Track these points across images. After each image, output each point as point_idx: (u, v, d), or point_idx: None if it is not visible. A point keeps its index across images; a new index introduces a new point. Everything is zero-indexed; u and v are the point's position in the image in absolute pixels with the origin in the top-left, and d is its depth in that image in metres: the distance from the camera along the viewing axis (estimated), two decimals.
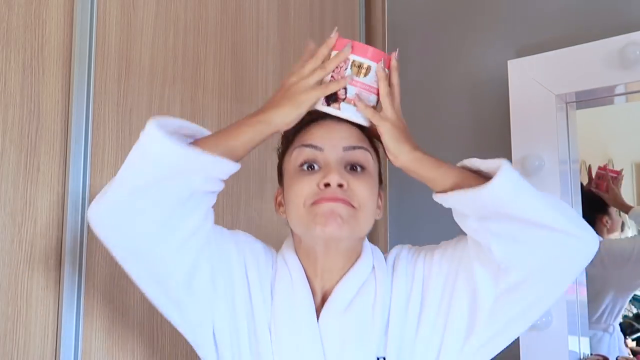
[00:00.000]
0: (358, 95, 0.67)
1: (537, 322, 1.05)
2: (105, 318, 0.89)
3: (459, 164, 0.68)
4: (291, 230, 0.75)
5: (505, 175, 0.59)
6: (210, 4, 1.09)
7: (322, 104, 0.68)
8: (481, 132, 1.26)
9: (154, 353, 0.95)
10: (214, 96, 1.08)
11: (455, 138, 1.29)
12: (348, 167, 0.70)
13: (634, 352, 1.18)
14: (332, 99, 0.67)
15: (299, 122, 0.69)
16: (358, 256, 0.73)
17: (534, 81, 1.11)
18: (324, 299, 0.72)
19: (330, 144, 0.69)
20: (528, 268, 0.63)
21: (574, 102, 1.11)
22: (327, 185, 0.66)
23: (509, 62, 1.16)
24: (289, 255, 0.74)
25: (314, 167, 0.69)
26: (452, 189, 0.64)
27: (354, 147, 0.70)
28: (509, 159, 1.15)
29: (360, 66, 0.67)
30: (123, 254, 0.67)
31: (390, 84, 0.69)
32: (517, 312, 0.66)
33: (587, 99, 1.10)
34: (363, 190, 0.68)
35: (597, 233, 1.11)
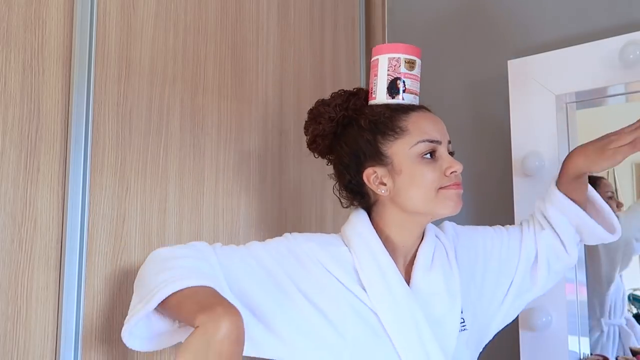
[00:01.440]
0: (412, 85, 0.87)
1: (537, 322, 1.05)
2: (105, 318, 0.89)
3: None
4: (370, 211, 0.88)
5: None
6: (210, 4, 1.09)
7: (387, 97, 0.86)
8: (481, 132, 1.26)
9: (154, 353, 0.95)
10: (214, 96, 1.08)
11: (455, 138, 1.28)
12: (450, 153, 0.86)
13: (633, 352, 1.18)
14: (394, 91, 0.85)
15: (396, 108, 0.85)
16: (425, 229, 0.89)
17: (534, 81, 1.11)
18: (406, 263, 0.86)
19: (443, 139, 0.85)
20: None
21: (574, 102, 1.11)
22: (453, 172, 0.83)
23: (509, 62, 1.16)
24: (367, 232, 0.85)
25: (434, 155, 0.84)
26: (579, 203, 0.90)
27: (449, 142, 0.87)
28: (509, 158, 1.15)
29: (410, 62, 0.86)
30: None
31: None
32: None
33: (587, 99, 1.10)
34: (462, 167, 0.85)
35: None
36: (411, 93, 0.86)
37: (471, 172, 1.26)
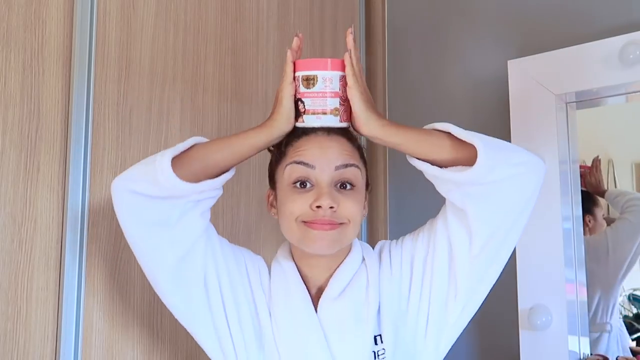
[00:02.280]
0: (312, 104, 0.74)
1: (537, 321, 1.05)
2: (105, 318, 0.89)
3: (427, 126, 0.75)
4: None
5: (483, 159, 0.66)
6: (210, 4, 1.09)
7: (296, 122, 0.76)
8: (481, 132, 1.25)
9: (154, 354, 0.95)
10: (213, 96, 1.08)
11: None
12: (339, 185, 0.75)
13: (633, 352, 1.18)
14: (297, 114, 0.74)
15: (292, 132, 0.76)
16: (348, 252, 0.80)
17: (533, 81, 1.11)
18: (319, 292, 0.78)
19: (322, 163, 0.74)
20: (497, 218, 0.71)
21: (574, 102, 1.11)
22: (318, 207, 0.72)
23: (508, 62, 1.16)
24: (282, 258, 0.80)
25: (306, 184, 0.74)
26: (424, 156, 0.72)
27: (345, 166, 0.75)
28: None
29: (307, 79, 0.74)
30: (131, 229, 0.72)
31: (352, 64, 0.73)
32: (491, 261, 0.74)
33: (587, 99, 1.10)
34: (352, 207, 0.74)
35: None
36: (313, 113, 0.73)
37: None
